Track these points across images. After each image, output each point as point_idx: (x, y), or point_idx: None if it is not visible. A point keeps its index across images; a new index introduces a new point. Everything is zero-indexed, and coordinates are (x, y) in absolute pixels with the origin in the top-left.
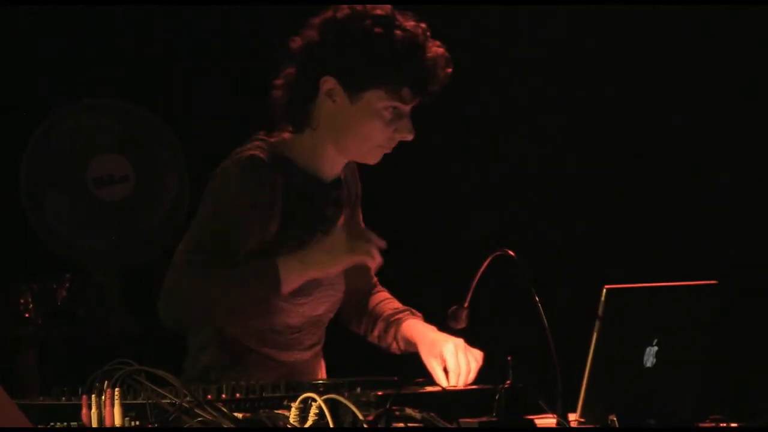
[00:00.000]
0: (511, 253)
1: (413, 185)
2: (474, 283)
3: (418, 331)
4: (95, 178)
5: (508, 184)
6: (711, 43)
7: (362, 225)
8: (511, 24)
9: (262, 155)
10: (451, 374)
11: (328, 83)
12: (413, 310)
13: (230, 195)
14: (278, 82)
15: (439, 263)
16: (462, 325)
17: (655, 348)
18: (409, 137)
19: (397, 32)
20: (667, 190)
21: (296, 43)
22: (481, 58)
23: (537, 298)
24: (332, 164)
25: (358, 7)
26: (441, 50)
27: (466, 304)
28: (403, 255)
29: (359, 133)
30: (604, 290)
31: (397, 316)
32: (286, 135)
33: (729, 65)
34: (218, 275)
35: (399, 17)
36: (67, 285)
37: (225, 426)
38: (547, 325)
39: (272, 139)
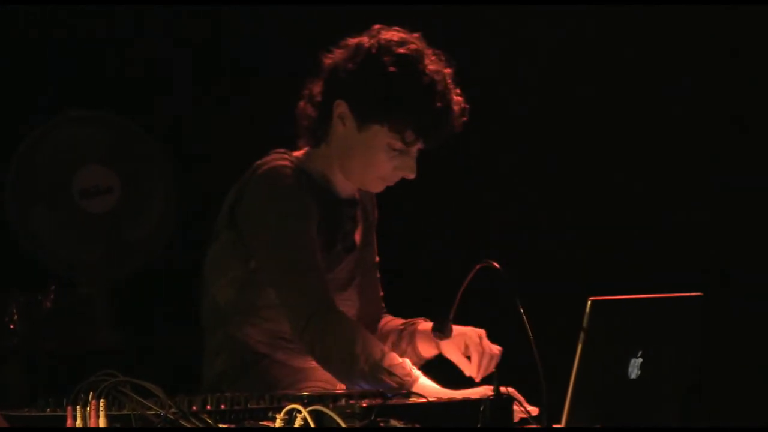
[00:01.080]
0: (496, 264)
1: (397, 195)
2: (459, 295)
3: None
4: (81, 189)
5: (493, 195)
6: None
7: (376, 249)
8: (492, 29)
9: (290, 166)
10: (479, 360)
11: (341, 107)
12: (426, 319)
13: (289, 201)
14: (305, 93)
15: (424, 275)
16: (447, 336)
17: (640, 360)
18: (410, 176)
19: (414, 75)
20: (653, 201)
21: (327, 60)
22: (466, 66)
23: (522, 310)
24: (344, 182)
25: (385, 41)
26: (457, 99)
27: (451, 315)
28: (388, 267)
29: (362, 162)
30: (589, 302)
31: (409, 324)
32: (305, 150)
33: (718, 67)
34: (362, 345)
35: (426, 59)
36: (52, 296)
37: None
38: (531, 336)
39: (293, 153)
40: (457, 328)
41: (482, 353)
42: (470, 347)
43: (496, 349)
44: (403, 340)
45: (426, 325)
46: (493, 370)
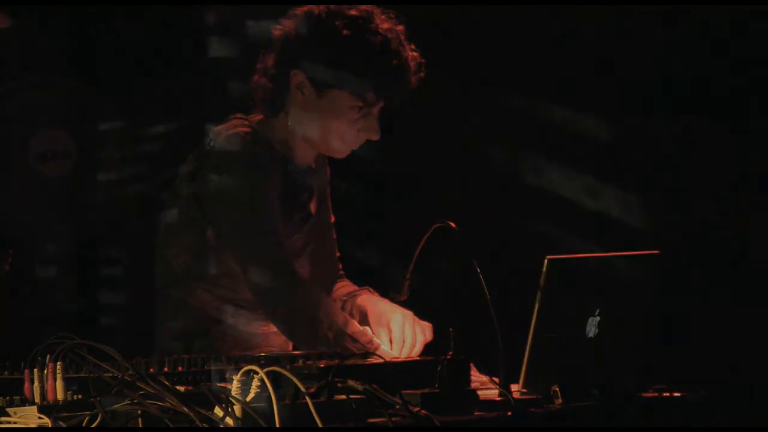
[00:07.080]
0: (453, 224)
1: (355, 158)
2: (416, 255)
3: (371, 302)
4: (38, 153)
5: (450, 155)
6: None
7: (330, 209)
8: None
9: (251, 133)
10: (394, 344)
11: (298, 77)
12: (370, 289)
13: (250, 167)
14: (258, 66)
15: (382, 237)
16: (403, 296)
17: (597, 318)
18: (374, 138)
19: (368, 36)
20: (608, 160)
21: (277, 32)
22: (422, 37)
23: (478, 270)
24: (303, 151)
25: (335, 6)
26: (413, 55)
27: (407, 276)
28: (346, 230)
29: (325, 128)
30: (546, 260)
31: (353, 293)
32: (262, 117)
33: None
34: (325, 311)
35: (376, 19)
36: (10, 260)
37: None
38: (488, 296)
39: (253, 118)
40: (387, 307)
41: (400, 339)
42: (393, 329)
43: (422, 332)
44: (346, 308)
45: (364, 298)
46: (417, 356)
